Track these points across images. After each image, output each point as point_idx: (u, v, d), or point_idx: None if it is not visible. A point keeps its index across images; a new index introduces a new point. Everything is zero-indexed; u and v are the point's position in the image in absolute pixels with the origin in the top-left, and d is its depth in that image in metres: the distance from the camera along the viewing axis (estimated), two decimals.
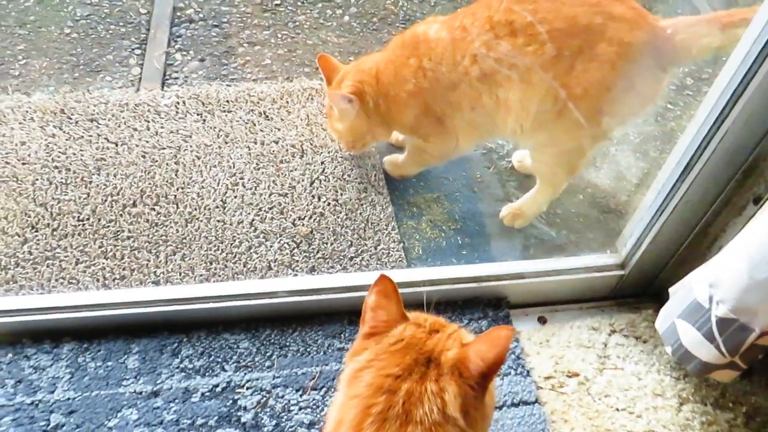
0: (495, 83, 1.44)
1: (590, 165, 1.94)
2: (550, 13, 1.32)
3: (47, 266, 1.54)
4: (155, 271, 1.55)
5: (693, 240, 1.22)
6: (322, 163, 1.83)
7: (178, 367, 1.22)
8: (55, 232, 1.60)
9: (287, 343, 1.28)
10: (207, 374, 1.22)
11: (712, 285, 1.00)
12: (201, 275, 1.55)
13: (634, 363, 1.30)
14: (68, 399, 1.17)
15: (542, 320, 1.40)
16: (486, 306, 1.35)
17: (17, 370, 1.21)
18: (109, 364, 1.21)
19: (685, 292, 1.07)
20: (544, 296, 1.40)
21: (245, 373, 1.23)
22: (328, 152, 1.85)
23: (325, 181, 1.78)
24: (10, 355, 1.22)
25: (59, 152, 1.77)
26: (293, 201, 1.73)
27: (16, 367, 1.21)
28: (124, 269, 1.55)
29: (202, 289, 1.30)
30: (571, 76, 1.33)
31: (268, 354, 1.26)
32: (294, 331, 1.30)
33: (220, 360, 1.25)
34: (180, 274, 1.55)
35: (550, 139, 1.51)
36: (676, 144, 1.15)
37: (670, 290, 1.14)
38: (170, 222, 1.65)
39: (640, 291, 1.40)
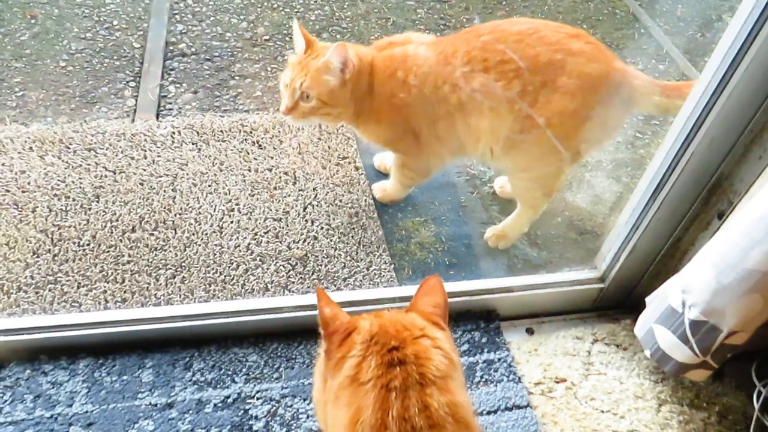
0: (468, 111, 1.55)
1: (567, 189, 2.06)
2: (517, 53, 1.45)
3: (49, 290, 1.58)
4: (156, 294, 1.60)
5: (665, 254, 1.33)
6: (314, 189, 1.91)
7: (190, 380, 1.28)
8: (56, 257, 1.64)
9: (293, 356, 1.34)
10: (219, 386, 1.27)
11: (684, 291, 1.11)
12: (201, 297, 1.61)
13: (615, 368, 1.39)
14: (86, 412, 1.21)
15: (530, 331, 1.49)
16: (478, 318, 1.44)
17: (35, 386, 1.24)
18: (125, 378, 1.26)
19: (660, 299, 1.18)
20: (531, 309, 1.49)
21: (255, 385, 1.29)
22: (320, 179, 1.94)
23: (317, 206, 1.87)
24: (28, 371, 1.26)
25: (58, 180, 1.82)
26: (287, 225, 1.80)
27: (35, 382, 1.25)
28: (125, 292, 1.59)
29: (212, 306, 1.36)
30: (535, 108, 1.46)
31: (275, 366, 1.32)
32: (299, 345, 1.37)
33: (230, 372, 1.30)
34: (180, 297, 1.60)
35: (522, 164, 1.62)
36: (646, 169, 1.27)
37: (647, 299, 1.24)
38: (169, 246, 1.71)
39: (618, 303, 1.51)
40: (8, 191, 1.77)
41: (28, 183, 1.79)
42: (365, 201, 1.90)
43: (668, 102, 1.45)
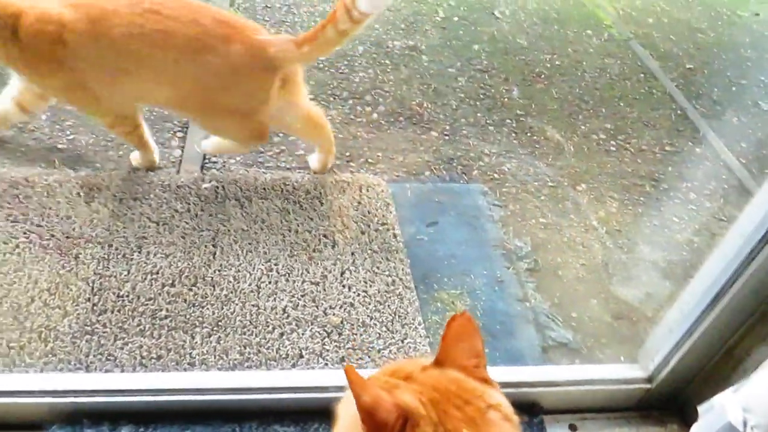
0: (130, 71, 1.77)
1: (601, 271, 2.05)
2: (170, 25, 1.68)
3: (86, 341, 1.58)
4: (191, 353, 1.59)
5: (719, 360, 1.32)
6: (352, 254, 1.92)
7: None
8: (95, 307, 1.65)
9: None
10: None
11: (746, 410, 1.08)
12: (235, 359, 1.60)
13: None
14: None
15: (573, 427, 1.46)
16: (521, 410, 1.41)
17: None
18: None
19: (716, 413, 1.15)
20: (574, 404, 1.47)
21: None
22: (359, 244, 1.95)
23: (355, 272, 1.87)
24: None
25: (103, 228, 1.84)
26: (324, 290, 1.80)
27: None
28: (160, 348, 1.59)
29: (254, 378, 1.35)
30: (179, 78, 1.78)
31: None
32: None
33: None
34: (215, 357, 1.60)
35: (203, 124, 2.01)
36: (701, 271, 1.26)
37: (699, 409, 1.22)
38: (207, 303, 1.71)
39: (664, 404, 1.48)
40: (53, 236, 1.79)
41: (73, 229, 1.82)
42: (402, 270, 1.90)
43: (310, 51, 1.77)
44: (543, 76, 2.96)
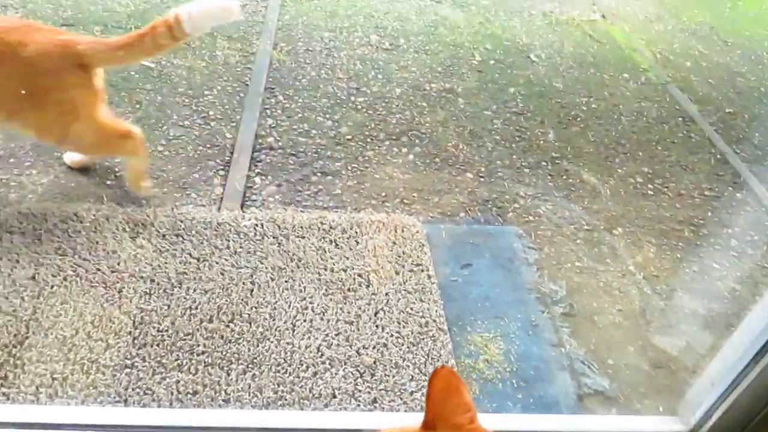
0: None
1: (639, 318, 2.02)
2: None
3: (125, 374, 1.61)
4: (226, 389, 1.62)
5: (764, 418, 1.28)
6: (386, 294, 1.93)
7: None
8: (135, 341, 1.69)
9: None
10: None
11: None
12: (268, 397, 1.61)
13: None
14: None
15: None
16: None
17: None
18: None
19: None
20: None
21: None
22: (393, 284, 1.96)
23: (389, 312, 1.88)
24: None
25: (146, 263, 1.90)
26: (358, 330, 1.82)
27: None
28: (197, 384, 1.62)
29: (289, 419, 1.36)
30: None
31: None
32: None
33: None
34: (249, 394, 1.61)
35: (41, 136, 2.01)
36: (744, 324, 1.24)
37: None
38: (243, 340, 1.74)
39: None
40: (99, 270, 1.85)
41: (118, 263, 1.88)
42: (436, 311, 1.91)
43: (124, 56, 1.85)
44: (579, 119, 2.98)
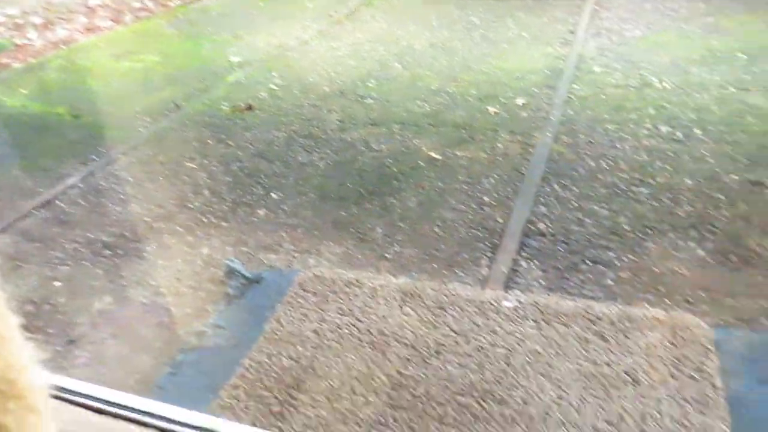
0: None
1: None
2: None
3: (377, 431, 1.69)
4: None
5: None
6: (657, 399, 1.69)
7: None
8: (392, 402, 1.77)
9: None
10: None
11: None
12: None
13: None
14: None
15: None
16: None
17: None
18: None
19: None
20: None
21: None
22: (666, 389, 1.72)
23: (659, 419, 1.63)
24: None
25: (409, 330, 2.01)
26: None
27: None
28: None
29: None
30: None
31: None
32: None
33: None
34: None
35: None
36: None
37: None
38: (492, 420, 1.68)
39: None
40: (369, 331, 2.02)
41: (385, 328, 2.03)
42: (721, 429, 1.60)
43: None
44: None
